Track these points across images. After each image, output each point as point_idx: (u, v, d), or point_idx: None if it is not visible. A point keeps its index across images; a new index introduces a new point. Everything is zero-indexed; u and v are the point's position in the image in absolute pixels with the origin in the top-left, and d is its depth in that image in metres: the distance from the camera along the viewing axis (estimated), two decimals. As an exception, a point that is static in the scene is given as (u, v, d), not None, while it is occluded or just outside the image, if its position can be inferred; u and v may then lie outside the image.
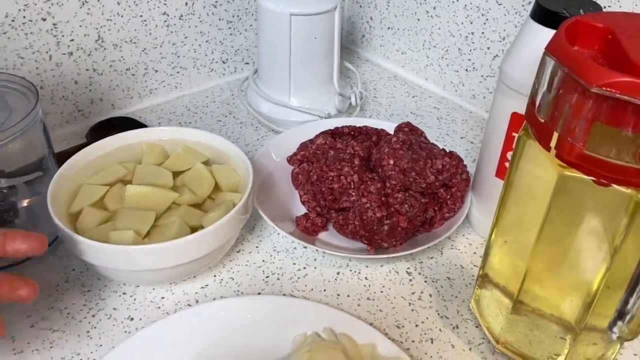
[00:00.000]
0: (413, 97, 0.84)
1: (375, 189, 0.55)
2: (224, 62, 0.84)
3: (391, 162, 0.55)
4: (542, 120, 0.39)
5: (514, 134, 0.52)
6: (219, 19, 0.80)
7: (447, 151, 0.58)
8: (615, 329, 0.38)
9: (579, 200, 0.39)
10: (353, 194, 0.56)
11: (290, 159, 0.65)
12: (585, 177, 0.37)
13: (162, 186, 0.54)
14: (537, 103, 0.39)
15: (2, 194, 0.53)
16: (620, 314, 0.39)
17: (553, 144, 0.38)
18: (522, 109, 0.51)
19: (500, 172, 0.55)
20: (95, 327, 0.49)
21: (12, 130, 0.49)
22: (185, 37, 0.78)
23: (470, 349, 0.49)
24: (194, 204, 0.54)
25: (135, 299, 0.52)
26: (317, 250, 0.58)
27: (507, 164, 0.54)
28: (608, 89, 0.33)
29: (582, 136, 0.35)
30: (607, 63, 0.37)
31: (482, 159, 0.57)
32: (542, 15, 0.48)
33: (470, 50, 0.78)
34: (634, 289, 0.37)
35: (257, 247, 0.58)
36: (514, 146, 0.43)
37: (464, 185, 0.57)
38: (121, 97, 0.77)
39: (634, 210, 0.36)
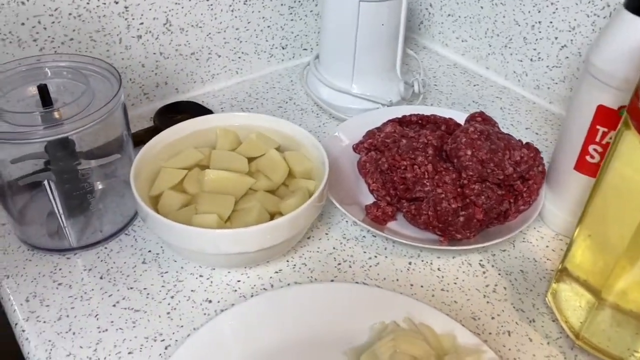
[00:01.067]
0: (474, 85, 0.83)
1: (451, 179, 0.55)
2: (283, 48, 0.84)
3: (469, 152, 0.54)
4: (648, 114, 0.38)
5: (598, 127, 0.51)
6: (281, 4, 0.80)
7: (524, 143, 0.57)
8: None
9: None
10: (427, 184, 0.55)
11: (356, 147, 0.65)
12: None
13: (238, 171, 0.54)
14: (643, 96, 0.38)
15: (84, 176, 0.54)
16: None
17: (659, 138, 0.37)
18: (609, 102, 0.50)
19: (580, 166, 0.54)
20: (175, 309, 0.50)
21: (95, 115, 0.50)
22: (249, 22, 0.78)
23: (548, 343, 0.49)
24: (270, 190, 0.54)
25: (212, 282, 0.53)
26: (386, 239, 0.58)
27: (588, 158, 0.53)
28: None
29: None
30: None
31: (559, 152, 0.56)
32: (638, 5, 0.46)
33: (537, 39, 0.77)
34: None
35: (326, 234, 0.59)
36: (611, 140, 0.42)
37: (541, 177, 0.57)
38: (185, 82, 0.77)
39: None
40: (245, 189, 0.53)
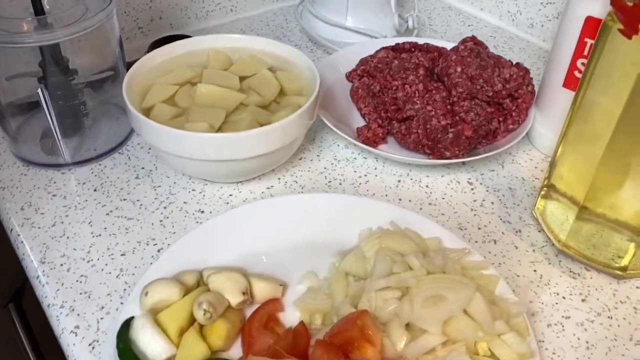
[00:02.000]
0: (469, 26, 0.83)
1: (441, 97, 0.55)
2: (278, -13, 0.84)
3: (459, 69, 0.55)
4: (630, 4, 0.38)
5: (586, 39, 0.51)
6: (276, -59, 0.80)
7: (514, 62, 0.57)
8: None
9: None
10: (418, 102, 0.56)
11: (349, 75, 0.65)
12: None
13: (229, 87, 0.55)
14: (626, -13, 0.38)
15: (77, 92, 0.55)
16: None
17: (642, 26, 0.37)
18: (597, 12, 0.50)
19: (569, 82, 0.54)
20: (167, 217, 0.51)
21: (87, 23, 0.51)
22: (243, -42, 0.78)
23: (533, 250, 0.50)
24: (261, 105, 0.54)
25: (204, 195, 0.54)
26: (377, 159, 0.59)
27: (576, 73, 0.53)
28: None
29: (677, 13, 0.35)
30: None
31: (549, 69, 0.57)
32: None
33: (531, -24, 0.77)
34: None
35: (318, 155, 0.59)
36: (595, 39, 0.43)
37: (530, 97, 0.57)
38: (179, 17, 0.77)
39: None
40: (236, 104, 0.53)
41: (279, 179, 0.56)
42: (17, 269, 0.50)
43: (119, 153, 0.58)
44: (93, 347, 0.41)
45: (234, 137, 0.47)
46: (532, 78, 0.58)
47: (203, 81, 0.55)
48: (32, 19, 0.50)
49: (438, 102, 0.55)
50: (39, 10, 0.50)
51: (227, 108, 0.53)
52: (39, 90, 0.51)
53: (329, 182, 0.56)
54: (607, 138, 0.42)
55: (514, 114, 0.57)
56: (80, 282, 0.45)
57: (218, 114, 0.51)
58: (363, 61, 0.65)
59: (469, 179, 0.57)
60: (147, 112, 0.53)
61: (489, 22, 0.84)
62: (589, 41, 0.51)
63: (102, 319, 0.43)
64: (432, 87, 0.56)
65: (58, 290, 0.45)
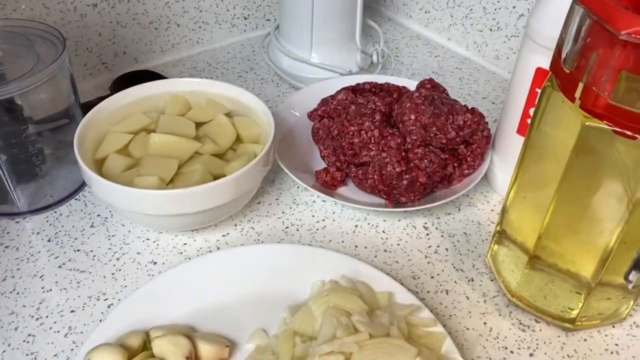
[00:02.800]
0: (435, 57, 0.84)
1: (396, 144, 0.56)
2: (245, 18, 0.84)
3: (412, 117, 0.55)
4: (568, 71, 0.38)
5: (537, 89, 0.52)
6: (242, -26, 0.80)
7: (469, 107, 0.58)
8: (631, 277, 0.39)
9: (601, 153, 0.39)
10: (373, 148, 0.56)
11: (310, 115, 0.65)
12: (609, 126, 0.36)
13: (185, 136, 0.55)
14: (564, 54, 0.39)
15: (31, 140, 0.54)
16: (637, 264, 0.39)
17: (578, 94, 0.38)
18: (546, 64, 0.50)
19: (522, 129, 0.55)
20: (120, 270, 0.51)
21: (40, 75, 0.50)
22: (208, -9, 0.78)
23: (485, 300, 0.50)
24: (216, 154, 0.54)
25: (158, 245, 0.54)
26: (335, 203, 0.59)
27: (529, 121, 0.54)
28: (637, 36, 0.32)
29: (607, 86, 0.35)
30: (638, 12, 0.36)
31: (504, 116, 0.57)
32: (572, -33, 0.47)
33: (495, 9, 0.77)
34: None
35: (277, 199, 0.59)
36: (537, 99, 0.43)
37: (485, 142, 0.57)
38: (144, 51, 0.77)
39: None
40: (191, 153, 0.53)
41: (235, 225, 0.56)
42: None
43: (76, 199, 0.58)
44: (36, 414, 0.41)
45: (183, 193, 0.47)
46: (487, 123, 0.58)
47: (158, 129, 0.55)
48: (-18, 73, 0.50)
49: (393, 148, 0.55)
50: (-12, 63, 0.50)
51: (180, 158, 0.52)
52: (-10, 143, 0.50)
53: (287, 227, 0.56)
54: (555, 187, 0.43)
55: (469, 159, 0.57)
56: (28, 342, 0.45)
57: (170, 165, 0.51)
58: (324, 101, 0.65)
59: (425, 223, 0.57)
60: (100, 163, 0.52)
61: (456, 52, 0.85)
62: (539, 91, 0.51)
63: (47, 382, 0.43)
64: (388, 134, 0.56)
65: (4, 351, 0.44)
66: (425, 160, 0.54)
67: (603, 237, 0.42)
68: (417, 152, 0.55)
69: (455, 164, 0.57)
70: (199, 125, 0.57)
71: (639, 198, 0.39)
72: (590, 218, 0.43)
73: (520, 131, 0.55)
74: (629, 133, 0.36)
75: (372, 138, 0.56)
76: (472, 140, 0.57)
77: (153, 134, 0.53)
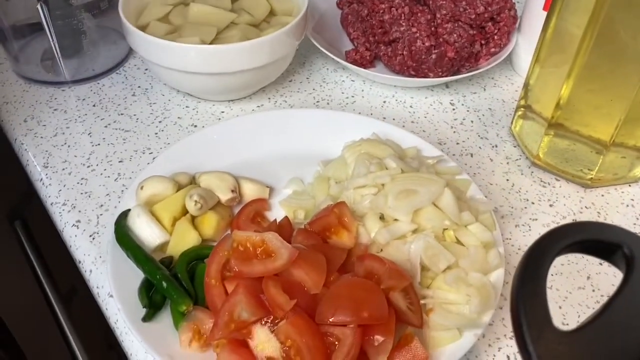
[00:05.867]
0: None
1: (425, 20, 0.57)
2: None
3: (443, -10, 0.56)
4: None
5: (566, -39, 0.53)
6: None
7: (498, -14, 0.59)
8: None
9: (617, 19, 0.40)
10: (403, 24, 0.58)
11: (340, 2, 0.67)
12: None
13: (221, 7, 0.57)
14: None
15: (76, 16, 0.57)
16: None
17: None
18: None
19: (548, 5, 0.56)
20: (162, 130, 0.54)
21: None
22: None
23: (507, 162, 0.53)
24: (252, 24, 0.57)
25: (197, 111, 0.56)
26: (364, 82, 0.61)
27: (556, -5, 0.55)
28: None
29: None
30: None
31: (532, -5, 0.58)
32: None
33: None
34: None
35: (307, 78, 0.62)
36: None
37: (512, 21, 0.59)
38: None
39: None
40: (227, 22, 0.55)
41: (269, 98, 0.59)
42: (21, 180, 0.54)
43: (117, 73, 0.61)
44: (93, 238, 0.44)
45: (223, 49, 0.49)
46: (514, 3, 0.60)
47: (196, 0, 0.57)
48: None
49: (422, 24, 0.57)
50: None
51: (218, 26, 0.55)
52: (39, 6, 0.53)
53: (317, 102, 0.59)
54: (576, 57, 0.45)
55: (495, 37, 0.59)
56: (81, 184, 0.49)
57: (209, 30, 0.53)
58: (353, -12, 0.66)
59: (451, 100, 0.59)
60: (142, 29, 0.55)
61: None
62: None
63: (101, 215, 0.46)
64: (417, 10, 0.58)
65: (60, 190, 0.48)
66: (454, 35, 0.56)
67: (618, 102, 0.44)
68: (447, 27, 0.57)
69: (483, 42, 0.59)
70: (234, 0, 0.59)
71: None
72: (606, 85, 0.45)
73: (546, 7, 0.56)
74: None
75: (402, 14, 0.58)
76: (499, 19, 0.59)
77: (192, 3, 0.55)
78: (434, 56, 0.56)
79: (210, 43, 0.53)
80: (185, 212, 0.43)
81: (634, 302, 0.22)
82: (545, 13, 0.56)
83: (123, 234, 0.41)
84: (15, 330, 0.67)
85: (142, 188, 0.43)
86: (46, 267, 0.70)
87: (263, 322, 0.34)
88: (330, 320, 0.33)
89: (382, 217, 0.41)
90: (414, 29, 0.57)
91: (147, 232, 0.41)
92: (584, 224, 0.25)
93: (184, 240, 0.41)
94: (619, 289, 0.23)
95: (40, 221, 0.52)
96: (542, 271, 0.23)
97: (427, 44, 0.56)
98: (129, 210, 0.43)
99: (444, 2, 0.57)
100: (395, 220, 0.41)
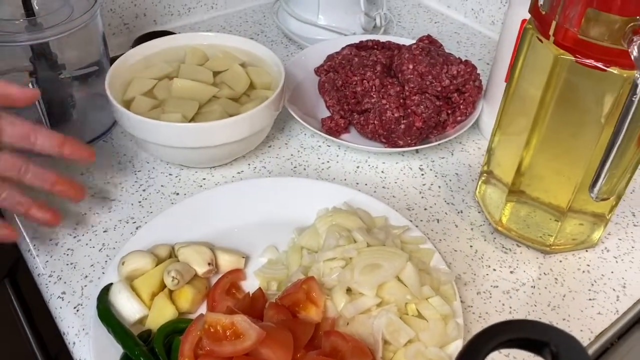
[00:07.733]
0: (435, 22, 0.89)
1: (395, 92, 0.61)
2: (256, -15, 0.89)
3: (410, 66, 0.60)
4: (544, 12, 0.44)
5: (523, 40, 0.57)
6: (254, -58, 0.85)
7: (463, 60, 0.63)
8: (594, 190, 0.44)
9: (574, 85, 0.44)
10: (374, 96, 0.62)
11: (317, 70, 0.71)
12: (578, 59, 0.42)
13: (204, 82, 0.60)
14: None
15: (64, 86, 0.60)
16: (596, 178, 0.44)
17: (552, 32, 0.43)
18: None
19: (509, 77, 0.60)
20: (146, 199, 0.57)
21: (73, 24, 0.56)
22: (222, -42, 0.83)
23: (472, 228, 0.56)
24: (232, 98, 0.60)
25: (180, 179, 0.60)
26: (339, 147, 0.65)
27: (516, 70, 0.59)
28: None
29: (576, 22, 0.41)
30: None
31: (495, 67, 0.62)
32: None
33: (492, -24, 0.82)
34: (606, 159, 0.43)
35: (286, 144, 0.65)
36: (519, 41, 0.48)
37: (477, 91, 0.63)
38: (163, 14, 0.83)
39: (621, 88, 0.42)
40: (209, 96, 0.59)
41: (248, 164, 0.62)
42: (12, 246, 0.56)
43: (104, 141, 0.64)
44: (77, 310, 0.47)
45: (205, 127, 0.53)
46: (479, 74, 0.64)
47: (179, 76, 0.61)
48: (24, 20, 0.55)
49: (392, 96, 0.61)
50: (29, 11, 0.56)
51: (200, 100, 0.58)
52: (30, 84, 0.56)
53: (295, 167, 0.62)
54: (533, 126, 0.48)
55: (461, 106, 0.63)
56: (67, 254, 0.51)
57: (192, 105, 0.57)
58: (330, 57, 0.70)
59: (420, 165, 0.63)
60: (127, 104, 0.58)
61: (455, 18, 0.90)
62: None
63: (85, 286, 0.49)
64: (387, 83, 0.62)
65: (47, 261, 0.51)
66: (422, 106, 0.60)
67: (575, 163, 0.48)
68: (414, 99, 0.60)
69: (449, 111, 0.63)
70: (216, 73, 0.63)
71: (603, 122, 0.44)
72: (566, 149, 0.48)
73: (507, 79, 0.60)
74: (599, 65, 0.42)
75: (374, 87, 0.62)
76: (464, 90, 0.63)
77: (176, 78, 0.59)
78: (402, 126, 0.60)
79: (193, 117, 0.57)
80: (163, 286, 0.45)
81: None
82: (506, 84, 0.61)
83: (105, 310, 0.43)
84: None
85: (123, 264, 0.46)
86: (33, 325, 0.72)
87: (233, 399, 0.36)
88: (296, 397, 0.36)
89: (349, 290, 0.44)
90: (384, 101, 0.61)
91: (127, 307, 0.43)
92: (512, 323, 0.28)
93: (162, 314, 0.44)
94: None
95: (28, 279, 0.54)
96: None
97: (396, 114, 0.60)
98: (111, 284, 0.45)
99: (412, 76, 0.61)
100: (361, 294, 0.44)
